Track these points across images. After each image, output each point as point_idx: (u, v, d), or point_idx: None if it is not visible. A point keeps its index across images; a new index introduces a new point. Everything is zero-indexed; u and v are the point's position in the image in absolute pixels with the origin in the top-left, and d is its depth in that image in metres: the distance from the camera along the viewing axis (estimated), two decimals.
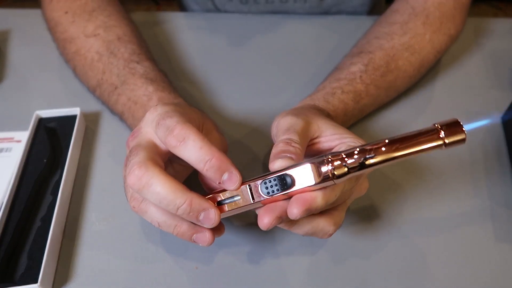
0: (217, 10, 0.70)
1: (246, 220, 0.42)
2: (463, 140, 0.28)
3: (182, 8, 0.77)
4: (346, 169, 0.28)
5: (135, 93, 0.45)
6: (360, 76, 0.48)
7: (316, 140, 0.36)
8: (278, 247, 0.41)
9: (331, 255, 0.40)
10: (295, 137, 0.33)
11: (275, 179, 0.30)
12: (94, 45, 0.50)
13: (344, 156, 0.28)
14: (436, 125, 0.28)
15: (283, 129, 0.35)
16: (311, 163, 0.29)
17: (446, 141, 0.27)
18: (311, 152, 0.36)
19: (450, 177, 0.46)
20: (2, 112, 0.53)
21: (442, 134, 0.27)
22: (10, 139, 0.49)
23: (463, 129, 0.27)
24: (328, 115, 0.42)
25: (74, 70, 0.53)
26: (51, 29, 0.55)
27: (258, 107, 0.53)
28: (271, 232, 0.42)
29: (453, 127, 0.27)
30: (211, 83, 0.57)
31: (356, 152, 0.28)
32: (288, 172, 0.30)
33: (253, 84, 0.56)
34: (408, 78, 0.52)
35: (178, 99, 0.45)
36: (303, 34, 0.64)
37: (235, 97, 0.55)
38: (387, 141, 0.28)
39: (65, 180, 0.43)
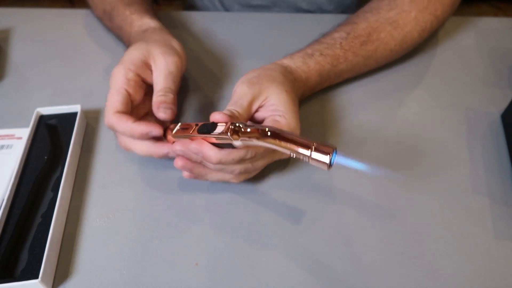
0: (222, 4, 0.72)
1: (246, 218, 0.43)
2: (325, 165, 0.32)
3: (189, 6, 0.79)
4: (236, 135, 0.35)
5: (119, 19, 0.54)
6: (340, 43, 0.51)
7: (260, 108, 0.43)
8: (276, 243, 0.41)
9: (329, 251, 0.40)
10: (240, 110, 0.40)
11: (205, 124, 0.39)
12: None
13: (240, 127, 0.36)
14: (314, 143, 0.32)
15: (233, 100, 0.42)
16: (227, 125, 0.37)
17: (311, 159, 0.32)
18: (253, 119, 0.43)
19: (449, 175, 0.46)
20: (3, 109, 0.53)
21: (312, 149, 0.32)
22: (11, 136, 0.49)
23: (329, 159, 0.32)
24: (293, 80, 0.47)
25: (92, 7, 0.63)
26: None
27: None
28: (269, 228, 0.42)
29: (325, 152, 0.32)
30: (211, 82, 0.57)
31: (247, 129, 0.35)
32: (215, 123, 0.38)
33: None
34: (389, 51, 0.54)
35: (142, 20, 0.52)
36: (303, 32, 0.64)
37: None
38: (269, 130, 0.34)
39: (65, 177, 0.43)
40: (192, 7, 0.80)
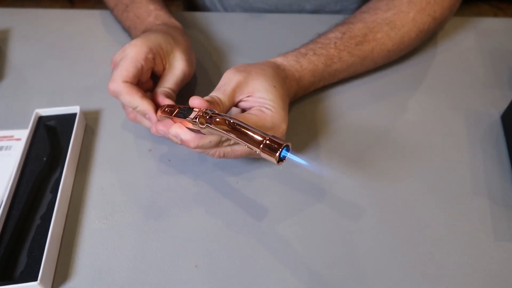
0: (223, 8, 0.72)
1: (245, 220, 0.42)
2: (274, 161, 0.33)
3: (190, 6, 0.79)
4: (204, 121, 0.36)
5: (139, 10, 0.56)
6: (335, 42, 0.51)
7: (246, 98, 0.42)
8: (275, 245, 0.41)
9: (330, 255, 0.40)
10: (221, 96, 0.41)
11: (183, 109, 0.39)
12: None
13: (209, 114, 0.36)
14: (267, 138, 0.33)
15: (217, 86, 0.43)
16: (200, 111, 0.37)
17: (261, 152, 0.33)
18: (240, 107, 0.44)
19: (449, 176, 0.46)
20: (2, 110, 0.53)
21: (262, 145, 0.33)
22: (10, 137, 0.49)
23: (277, 154, 0.32)
24: (284, 77, 0.47)
25: None
26: None
27: None
28: (269, 229, 0.42)
29: (274, 148, 0.32)
30: (211, 82, 0.57)
31: (217, 118, 0.35)
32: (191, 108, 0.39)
33: None
34: (386, 52, 0.54)
35: (170, 19, 0.54)
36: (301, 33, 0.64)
37: None
38: (232, 120, 0.35)
39: (64, 178, 0.43)
40: (192, 8, 0.80)
